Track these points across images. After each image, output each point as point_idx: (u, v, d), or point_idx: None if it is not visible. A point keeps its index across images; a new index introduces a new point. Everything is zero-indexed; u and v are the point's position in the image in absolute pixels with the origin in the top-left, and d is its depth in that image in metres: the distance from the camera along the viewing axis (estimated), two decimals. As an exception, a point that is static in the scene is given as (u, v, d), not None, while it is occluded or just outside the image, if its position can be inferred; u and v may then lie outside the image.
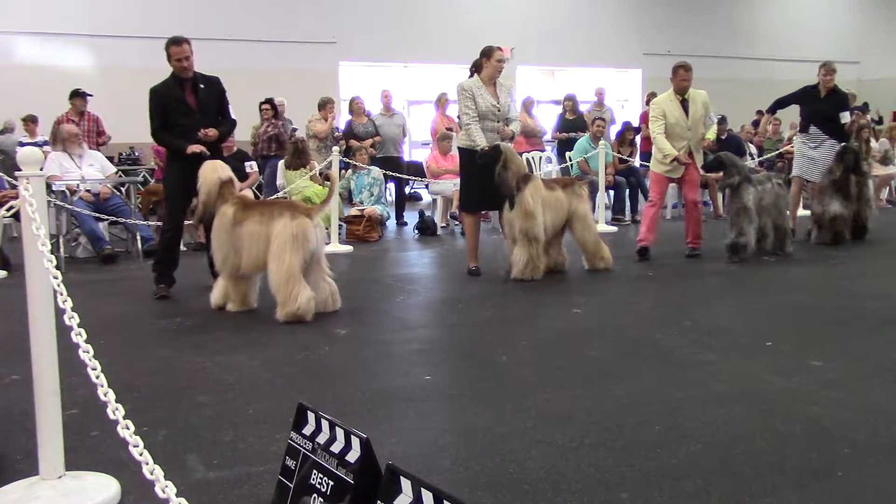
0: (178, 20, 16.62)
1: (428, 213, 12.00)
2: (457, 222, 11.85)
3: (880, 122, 17.78)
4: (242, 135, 11.94)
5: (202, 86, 7.01)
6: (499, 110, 7.68)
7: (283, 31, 17.59)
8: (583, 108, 15.33)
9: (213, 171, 6.38)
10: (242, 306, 6.40)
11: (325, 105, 12.59)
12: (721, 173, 8.54)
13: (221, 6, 17.26)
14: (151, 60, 16.12)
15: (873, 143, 14.23)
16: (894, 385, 4.23)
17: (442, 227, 11.86)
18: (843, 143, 9.33)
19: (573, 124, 14.19)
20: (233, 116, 7.32)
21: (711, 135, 8.60)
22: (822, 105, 9.40)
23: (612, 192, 12.90)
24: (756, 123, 17.87)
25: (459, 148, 7.94)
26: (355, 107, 12.75)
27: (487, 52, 7.71)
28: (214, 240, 6.34)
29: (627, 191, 12.77)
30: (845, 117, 9.41)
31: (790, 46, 21.15)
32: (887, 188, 14.77)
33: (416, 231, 11.51)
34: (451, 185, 11.57)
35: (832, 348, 5.02)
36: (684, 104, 8.44)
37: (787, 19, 22.81)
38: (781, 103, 9.78)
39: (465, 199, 7.98)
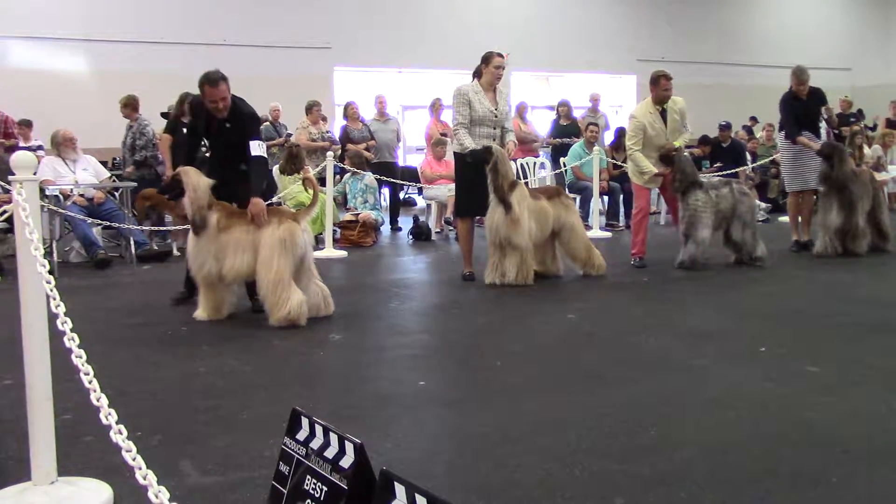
0: (173, 25, 16.67)
1: (422, 219, 12.01)
2: (451, 227, 11.85)
3: (874, 129, 17.82)
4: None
5: (228, 125, 6.37)
6: (496, 116, 7.67)
7: (277, 35, 17.58)
8: (577, 113, 15.36)
9: (200, 175, 6.28)
10: (215, 314, 6.27)
11: (312, 108, 12.65)
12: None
13: (216, 11, 17.24)
14: (145, 64, 16.22)
15: (866, 150, 14.27)
16: (887, 391, 4.23)
17: (436, 232, 11.87)
18: (824, 142, 9.19)
19: (567, 130, 14.22)
20: (255, 153, 6.29)
21: (678, 143, 8.43)
22: (807, 109, 9.32)
23: (605, 198, 12.93)
24: (749, 129, 17.95)
25: (454, 153, 7.95)
26: (350, 112, 12.76)
27: (487, 58, 7.71)
28: (193, 245, 6.20)
29: (622, 196, 12.79)
30: (827, 111, 9.35)
31: (783, 53, 21.14)
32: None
33: (411, 236, 11.50)
34: (446, 190, 11.58)
35: (826, 353, 5.02)
36: (663, 114, 8.42)
37: (780, 26, 22.87)
38: (795, 124, 9.24)
39: (460, 205, 7.99)
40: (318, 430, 2.67)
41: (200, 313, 6.28)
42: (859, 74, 22.85)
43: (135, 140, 10.76)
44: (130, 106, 10.85)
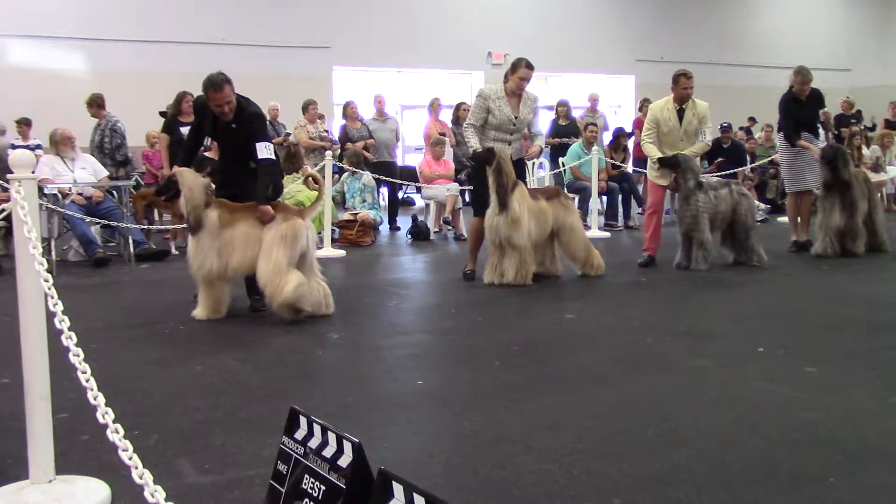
0: (172, 24, 16.65)
1: (421, 218, 12.00)
2: (450, 227, 11.85)
3: (873, 129, 17.83)
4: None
5: (234, 125, 6.30)
6: (514, 124, 7.63)
7: (276, 35, 17.58)
8: (576, 113, 15.36)
9: (195, 175, 6.29)
10: (213, 314, 6.25)
11: (308, 107, 12.72)
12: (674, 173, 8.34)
13: (215, 10, 17.24)
14: (144, 63, 16.21)
15: (865, 151, 14.28)
16: (886, 391, 4.23)
17: (435, 231, 11.85)
18: (826, 145, 9.18)
19: (566, 130, 14.21)
20: (262, 156, 6.17)
21: (686, 151, 8.32)
22: (806, 111, 9.30)
23: (604, 198, 12.93)
24: (748, 130, 17.96)
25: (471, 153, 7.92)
26: (349, 111, 12.78)
27: (514, 66, 7.64)
28: (195, 242, 6.17)
29: (620, 196, 12.79)
30: (825, 115, 9.37)
31: (782, 53, 21.17)
32: (879, 194, 14.79)
33: (409, 236, 11.50)
34: (444, 189, 11.58)
35: (825, 354, 5.03)
36: (680, 113, 8.39)
37: (779, 27, 22.87)
38: (796, 126, 9.23)
39: (477, 203, 7.92)
40: (317, 429, 2.66)
41: (199, 312, 6.27)
42: (858, 75, 22.87)
43: (103, 139, 10.66)
44: (96, 104, 10.71)
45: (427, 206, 12.44)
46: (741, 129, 17.65)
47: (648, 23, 21.23)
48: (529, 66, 7.61)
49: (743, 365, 4.81)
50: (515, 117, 7.62)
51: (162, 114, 10.49)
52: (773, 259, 8.71)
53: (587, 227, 10.52)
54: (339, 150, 12.28)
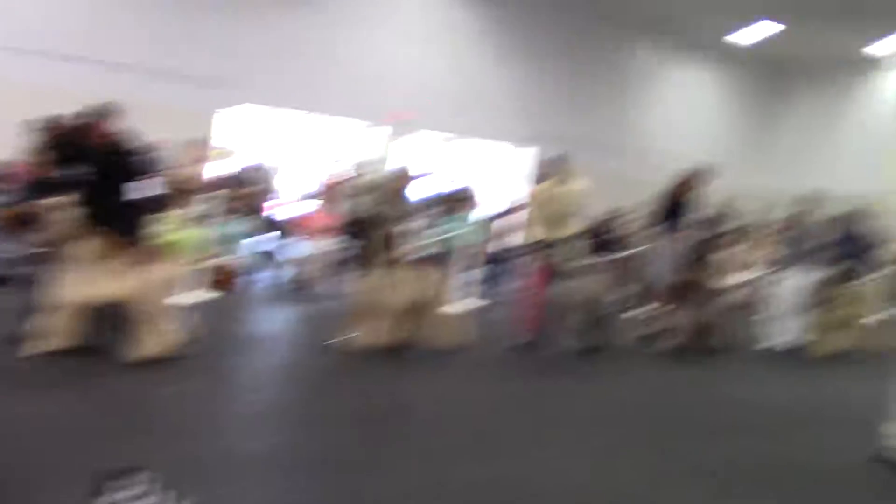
0: (58, 37, 16.15)
1: (294, 270, 11.87)
2: (325, 282, 11.72)
3: (744, 230, 18.51)
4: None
5: (114, 157, 6.36)
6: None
7: (168, 66, 17.08)
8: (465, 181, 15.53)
9: (63, 208, 6.23)
10: (63, 343, 6.05)
11: (190, 146, 12.58)
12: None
13: (102, 26, 16.67)
14: (22, 76, 15.59)
15: (733, 249, 14.83)
16: (712, 490, 4.36)
17: (308, 286, 11.72)
18: (689, 243, 9.58)
19: (450, 197, 14.33)
20: (143, 193, 6.51)
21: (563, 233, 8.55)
22: (681, 208, 9.65)
23: (477, 270, 13.02)
24: (624, 217, 18.51)
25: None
26: (231, 155, 12.73)
27: (400, 170, 8.43)
28: (61, 273, 6.05)
29: (494, 269, 12.93)
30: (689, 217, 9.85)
31: (665, 146, 22.06)
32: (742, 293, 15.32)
33: (279, 287, 11.36)
34: (325, 243, 11.48)
35: (656, 452, 5.17)
36: (560, 194, 8.61)
37: (667, 120, 23.88)
38: (669, 220, 9.69)
39: (361, 265, 8.02)
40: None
41: (43, 344, 6.03)
42: (735, 176, 23.90)
43: None
44: None
45: (303, 258, 12.30)
46: (618, 215, 18.16)
47: (549, 99, 21.76)
48: (408, 174, 8.33)
49: (572, 457, 4.89)
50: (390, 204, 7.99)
51: (33, 127, 10.15)
52: (626, 350, 8.91)
53: (458, 299, 10.59)
54: (218, 193, 12.09)
